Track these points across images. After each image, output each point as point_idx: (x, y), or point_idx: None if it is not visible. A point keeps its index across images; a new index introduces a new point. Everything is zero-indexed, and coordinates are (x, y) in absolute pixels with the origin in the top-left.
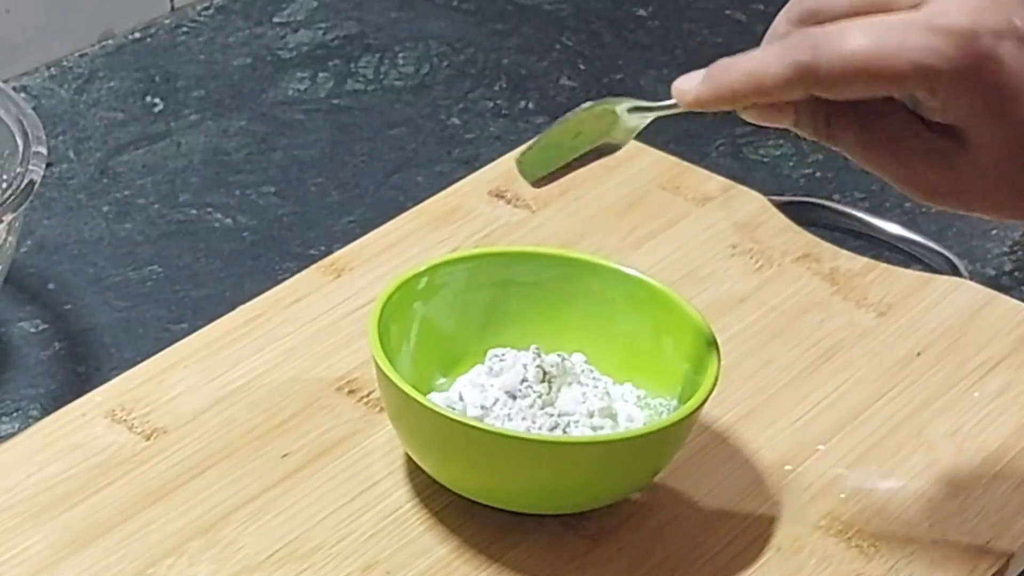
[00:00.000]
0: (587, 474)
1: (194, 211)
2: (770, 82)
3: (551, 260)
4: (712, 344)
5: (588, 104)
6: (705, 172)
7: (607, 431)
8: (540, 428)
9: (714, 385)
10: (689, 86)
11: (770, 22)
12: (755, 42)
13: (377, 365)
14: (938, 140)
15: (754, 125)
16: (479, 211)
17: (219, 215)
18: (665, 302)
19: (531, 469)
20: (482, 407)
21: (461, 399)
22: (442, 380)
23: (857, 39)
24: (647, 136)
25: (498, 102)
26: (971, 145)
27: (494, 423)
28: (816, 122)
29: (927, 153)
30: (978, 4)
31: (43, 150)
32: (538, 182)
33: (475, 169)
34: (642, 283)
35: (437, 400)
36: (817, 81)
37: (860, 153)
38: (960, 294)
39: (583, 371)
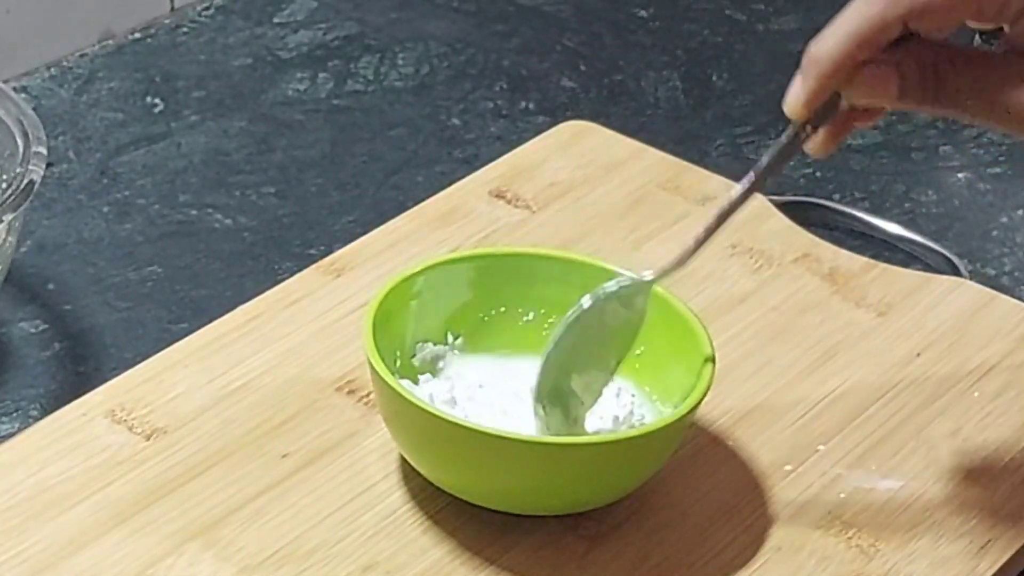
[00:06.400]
0: (584, 475)
1: (194, 211)
2: (865, 26)
3: (548, 261)
4: (707, 345)
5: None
6: (705, 172)
7: (605, 431)
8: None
9: (709, 386)
10: (796, 93)
11: (770, 22)
12: (755, 42)
13: (372, 366)
14: None
15: (756, 127)
16: (479, 211)
17: (219, 215)
18: (660, 303)
19: (527, 470)
20: (479, 408)
21: (454, 402)
22: (438, 380)
23: None
24: (647, 136)
25: (498, 103)
26: None
27: (493, 424)
28: (924, 78)
29: None
30: None
31: (43, 150)
32: None
33: (475, 169)
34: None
35: (433, 401)
36: (910, 8)
37: (974, 101)
38: (960, 294)
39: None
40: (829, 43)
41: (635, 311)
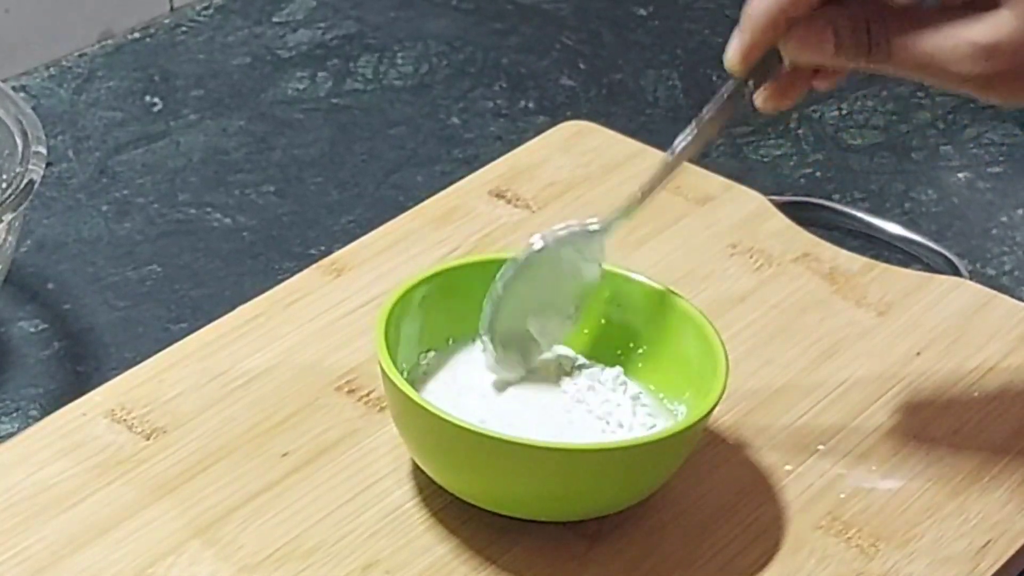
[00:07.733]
0: (592, 481)
1: (193, 211)
2: None
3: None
4: (717, 342)
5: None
6: (705, 172)
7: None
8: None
9: (725, 384)
10: (733, 47)
11: None
12: None
13: (383, 369)
14: (981, 13)
15: (756, 127)
16: (479, 211)
17: (218, 215)
18: (664, 301)
19: (534, 475)
20: (484, 414)
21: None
22: (438, 384)
23: None
24: (647, 136)
25: (498, 101)
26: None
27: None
28: (858, 33)
29: (974, 29)
30: None
31: (43, 150)
32: None
33: (475, 169)
34: (650, 288)
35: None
36: None
37: (909, 56)
38: (960, 294)
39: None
40: None
41: (590, 259)
